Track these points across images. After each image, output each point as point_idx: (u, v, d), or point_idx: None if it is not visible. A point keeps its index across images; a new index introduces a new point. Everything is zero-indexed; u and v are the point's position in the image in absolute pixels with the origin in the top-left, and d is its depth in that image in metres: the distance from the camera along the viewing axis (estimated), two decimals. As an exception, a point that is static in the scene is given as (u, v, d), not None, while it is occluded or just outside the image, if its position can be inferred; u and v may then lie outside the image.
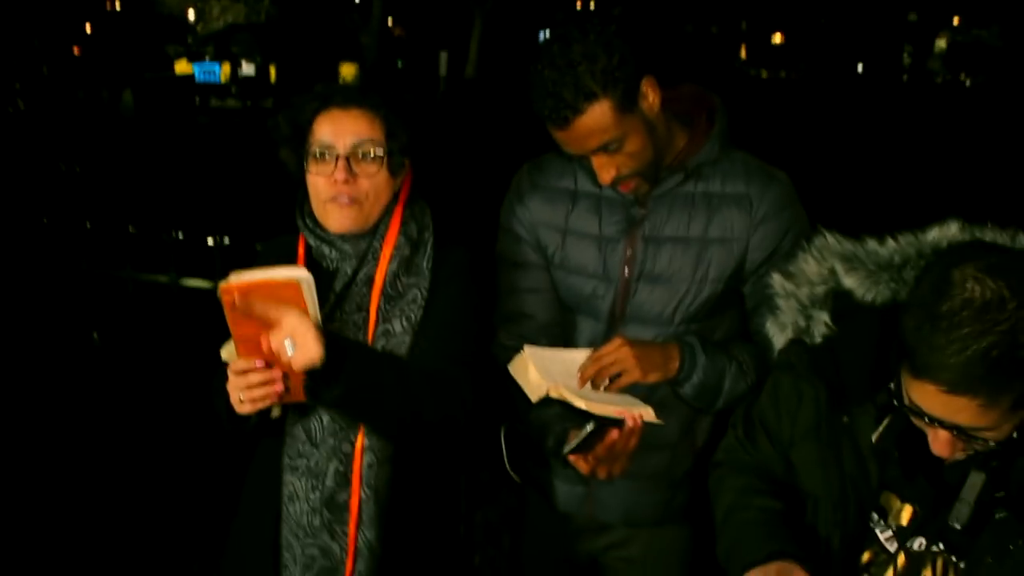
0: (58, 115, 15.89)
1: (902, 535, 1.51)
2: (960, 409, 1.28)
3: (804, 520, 1.64)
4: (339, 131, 1.93)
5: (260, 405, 1.77)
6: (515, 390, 2.02)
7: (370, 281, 1.97)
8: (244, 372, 1.74)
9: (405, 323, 1.94)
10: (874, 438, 1.48)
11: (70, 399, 4.95)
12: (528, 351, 1.97)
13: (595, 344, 2.05)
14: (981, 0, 33.56)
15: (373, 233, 1.99)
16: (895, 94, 25.99)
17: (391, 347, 1.91)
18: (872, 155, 14.40)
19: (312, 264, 1.99)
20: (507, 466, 2.21)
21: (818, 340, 1.59)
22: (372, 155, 1.94)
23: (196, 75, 21.52)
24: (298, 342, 1.66)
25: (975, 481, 1.39)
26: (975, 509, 1.39)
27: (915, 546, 1.49)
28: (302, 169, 1.98)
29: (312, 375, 1.73)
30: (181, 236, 5.51)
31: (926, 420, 1.33)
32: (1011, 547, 1.38)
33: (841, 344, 1.56)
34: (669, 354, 1.99)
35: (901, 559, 1.50)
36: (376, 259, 1.98)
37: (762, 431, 1.76)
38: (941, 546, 1.47)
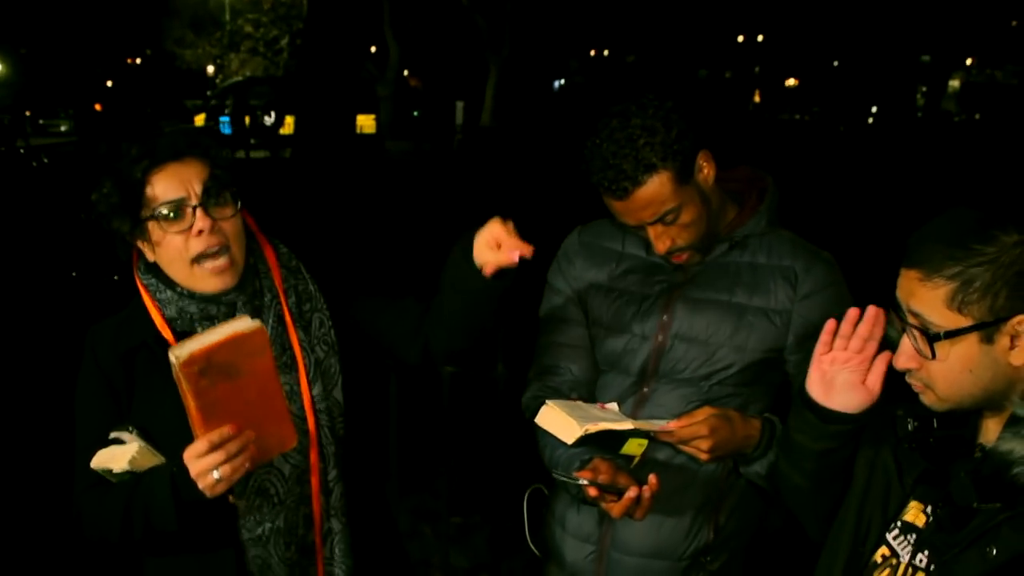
0: (80, 169, 16.11)
1: (905, 529, 1.52)
2: (911, 289, 1.41)
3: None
4: (184, 181, 1.77)
5: (239, 475, 1.59)
6: (542, 439, 2.01)
7: (281, 319, 1.86)
8: (220, 444, 1.56)
9: (326, 347, 1.90)
10: (909, 426, 1.52)
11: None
12: (552, 403, 1.92)
13: (622, 399, 2.05)
14: (994, 40, 33.71)
15: (254, 273, 1.88)
16: (910, 133, 25.99)
17: (324, 373, 1.87)
18: (888, 193, 14.38)
19: (186, 334, 1.77)
20: (527, 537, 2.18)
21: None
22: (223, 198, 1.81)
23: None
24: None
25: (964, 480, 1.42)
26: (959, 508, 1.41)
27: (916, 560, 1.49)
28: (136, 239, 1.82)
29: None
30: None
31: (900, 317, 1.46)
32: (987, 533, 1.37)
33: None
34: (748, 432, 1.96)
35: (901, 568, 1.50)
36: (274, 295, 1.87)
37: None
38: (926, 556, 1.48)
